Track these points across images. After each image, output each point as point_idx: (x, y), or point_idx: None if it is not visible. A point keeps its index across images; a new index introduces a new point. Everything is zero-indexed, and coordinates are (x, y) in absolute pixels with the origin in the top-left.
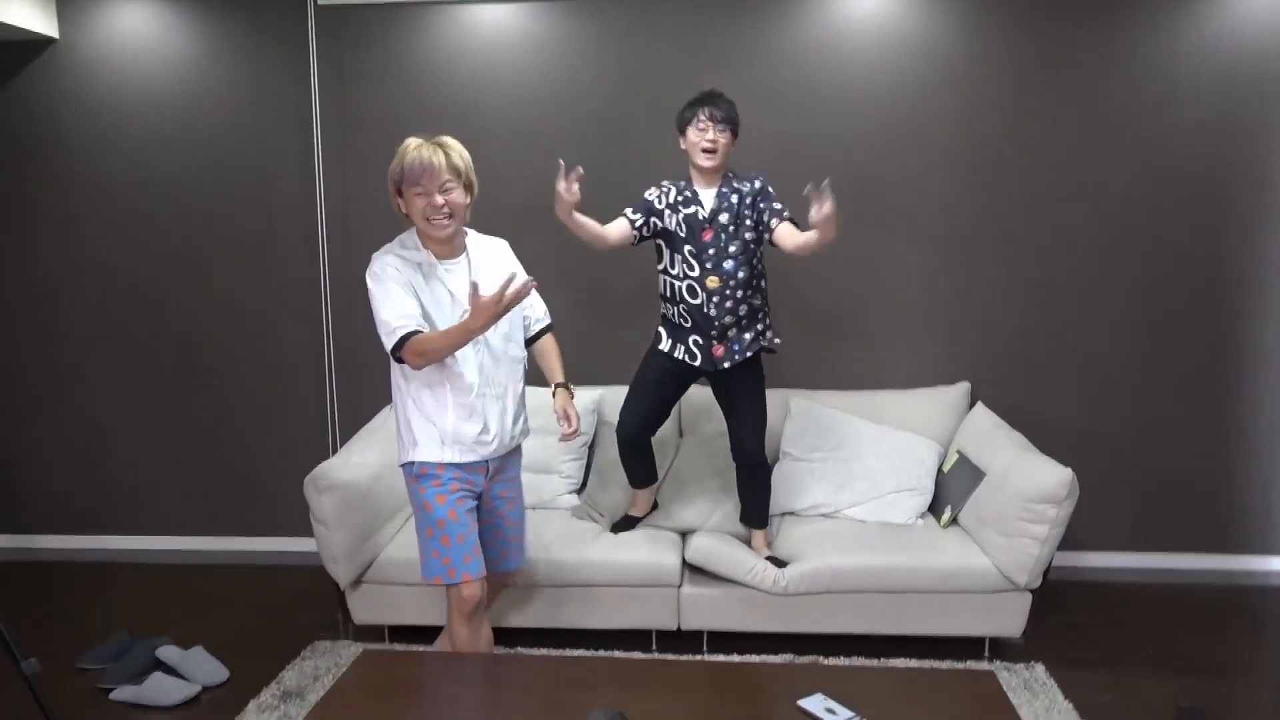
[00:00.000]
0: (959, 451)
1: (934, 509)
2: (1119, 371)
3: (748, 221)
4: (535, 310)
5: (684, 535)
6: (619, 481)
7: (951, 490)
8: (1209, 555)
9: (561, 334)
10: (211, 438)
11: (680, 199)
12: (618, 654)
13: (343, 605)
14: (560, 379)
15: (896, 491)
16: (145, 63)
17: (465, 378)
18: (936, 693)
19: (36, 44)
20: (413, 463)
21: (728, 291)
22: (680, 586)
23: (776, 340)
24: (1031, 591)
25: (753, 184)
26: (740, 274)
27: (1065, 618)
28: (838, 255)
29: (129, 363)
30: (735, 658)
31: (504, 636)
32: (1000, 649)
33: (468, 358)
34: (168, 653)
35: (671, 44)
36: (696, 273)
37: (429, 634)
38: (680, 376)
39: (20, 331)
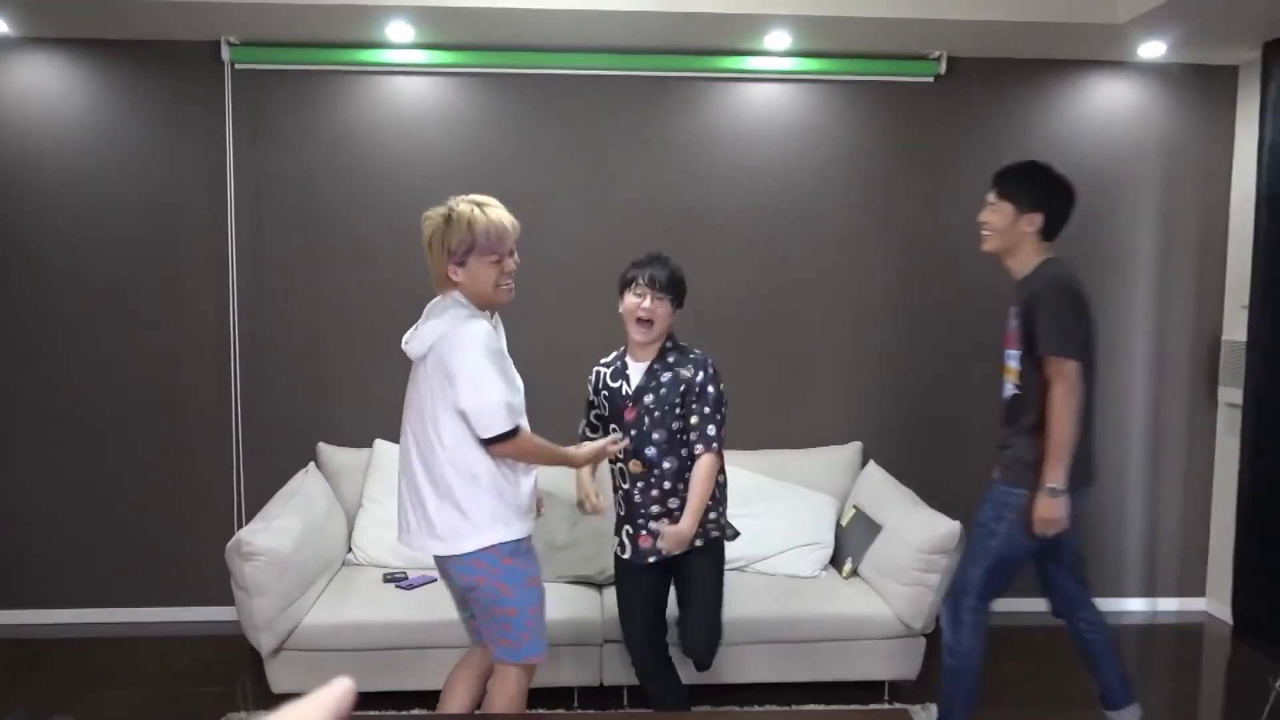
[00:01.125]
0: (855, 506)
1: (835, 561)
2: (987, 430)
3: (676, 412)
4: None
5: (601, 588)
6: (539, 537)
7: (851, 543)
8: None
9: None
10: (110, 505)
11: (610, 371)
12: (541, 712)
13: (256, 674)
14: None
15: (800, 546)
16: (49, 115)
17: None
18: None
19: None
20: (504, 543)
21: (652, 480)
22: (602, 645)
23: (730, 529)
24: (925, 636)
25: (694, 375)
26: (665, 464)
27: None
28: (741, 323)
29: (22, 428)
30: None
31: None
32: (898, 691)
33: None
34: None
35: (588, 122)
36: (621, 455)
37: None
38: (641, 576)
39: None
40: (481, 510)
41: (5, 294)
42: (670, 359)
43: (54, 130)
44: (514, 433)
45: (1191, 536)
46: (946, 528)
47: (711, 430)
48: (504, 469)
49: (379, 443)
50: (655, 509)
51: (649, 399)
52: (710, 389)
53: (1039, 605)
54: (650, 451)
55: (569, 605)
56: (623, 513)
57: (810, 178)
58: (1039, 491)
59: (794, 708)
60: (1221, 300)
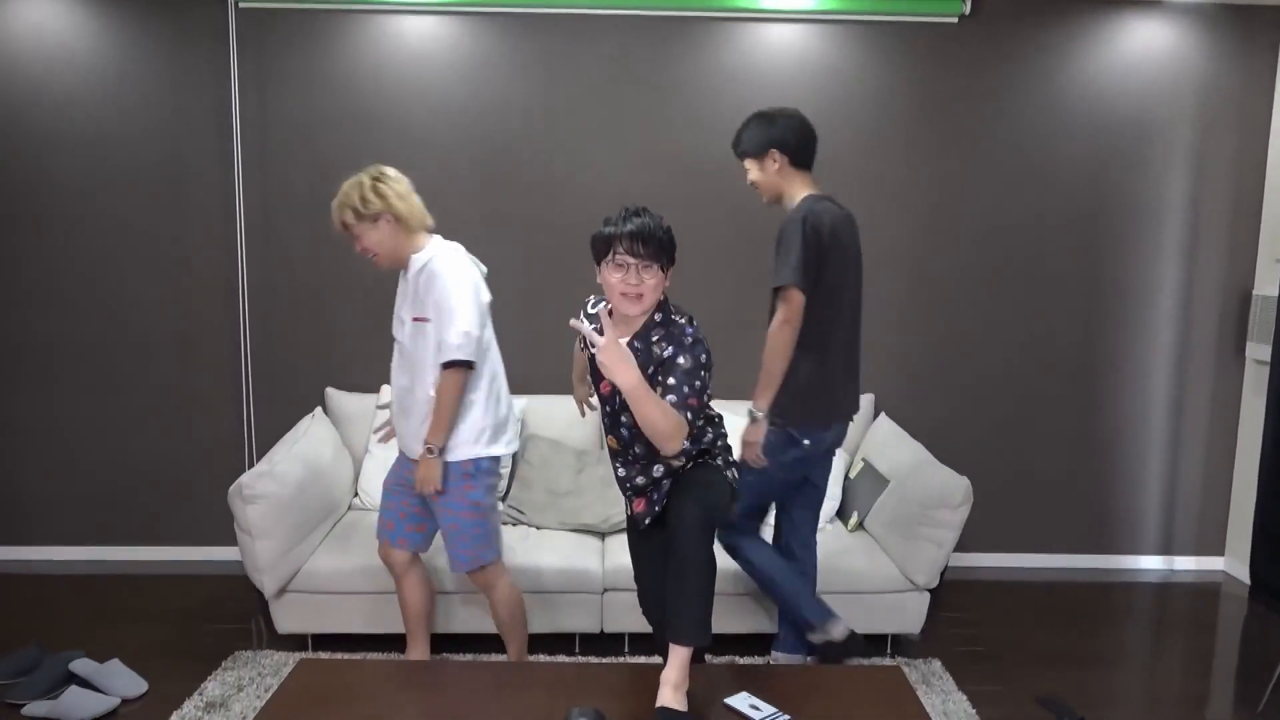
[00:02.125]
0: (864, 459)
1: (841, 514)
2: (1003, 385)
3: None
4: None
5: (604, 536)
6: (543, 484)
7: (858, 497)
8: (1084, 555)
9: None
10: (123, 445)
11: (594, 327)
12: (543, 657)
13: (264, 614)
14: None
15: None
16: (52, 60)
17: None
18: (850, 689)
19: None
20: (474, 459)
21: (629, 457)
22: (603, 593)
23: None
24: (930, 591)
25: (664, 352)
26: (637, 448)
27: (957, 615)
28: (751, 275)
29: (35, 368)
30: (657, 660)
31: (430, 644)
32: (900, 645)
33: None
34: (82, 665)
35: (600, 64)
36: (604, 422)
37: (353, 643)
38: (644, 535)
39: None
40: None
41: (14, 237)
42: (653, 336)
43: (59, 72)
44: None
45: (1212, 495)
46: (955, 484)
47: (684, 391)
48: (483, 384)
49: (386, 389)
50: (640, 480)
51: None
52: (681, 359)
53: (1077, 562)
54: (622, 433)
55: (571, 553)
56: (620, 481)
57: (827, 123)
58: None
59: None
60: (1255, 253)
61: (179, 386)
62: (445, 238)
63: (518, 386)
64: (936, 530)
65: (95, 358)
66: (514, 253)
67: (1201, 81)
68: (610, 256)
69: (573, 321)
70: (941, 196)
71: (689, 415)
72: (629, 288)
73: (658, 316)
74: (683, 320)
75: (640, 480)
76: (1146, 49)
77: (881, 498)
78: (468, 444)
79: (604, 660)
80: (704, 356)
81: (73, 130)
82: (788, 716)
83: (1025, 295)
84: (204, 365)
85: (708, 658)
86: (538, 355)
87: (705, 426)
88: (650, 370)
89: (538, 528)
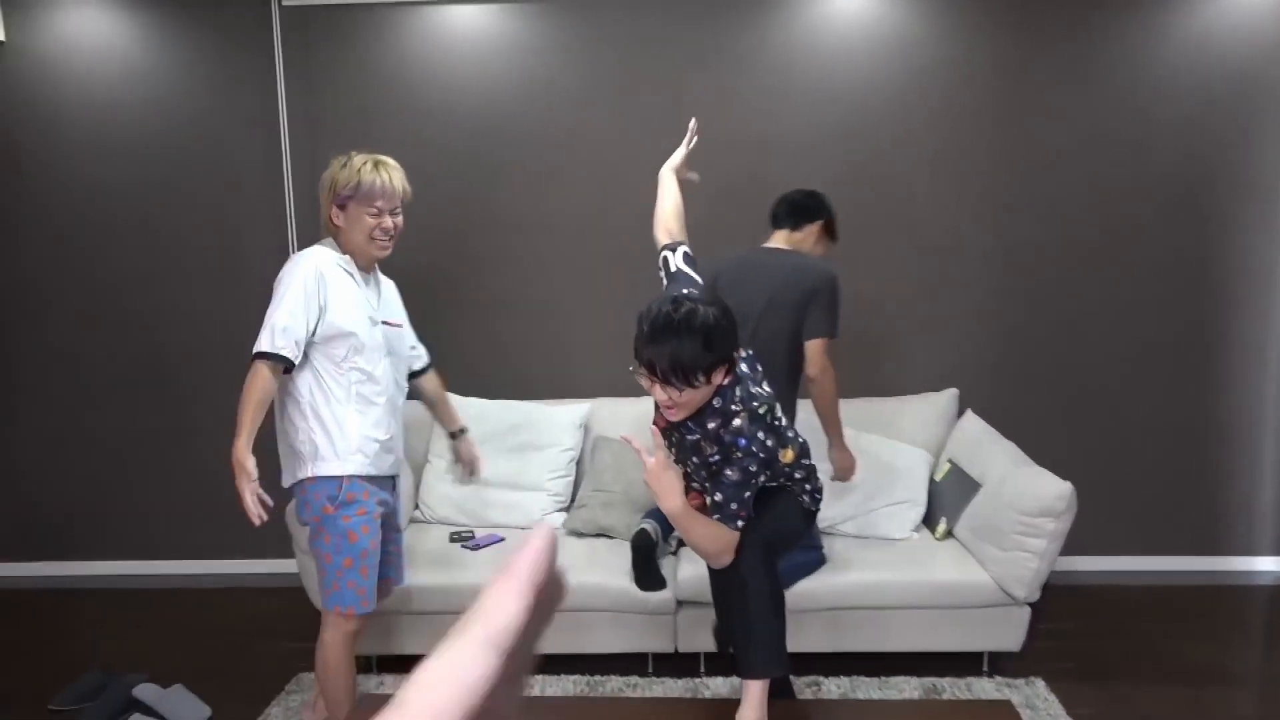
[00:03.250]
0: (950, 461)
1: (928, 521)
2: (1101, 375)
3: (692, 459)
4: (412, 342)
5: (679, 548)
6: (616, 497)
7: (946, 502)
8: (1195, 557)
9: (551, 344)
10: (179, 456)
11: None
12: (614, 679)
13: None
14: (461, 424)
15: (890, 504)
16: (99, 66)
17: (380, 382)
18: None
19: None
20: (324, 478)
21: (690, 480)
22: (676, 612)
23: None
24: (1030, 605)
25: (718, 447)
26: (694, 483)
27: (1058, 626)
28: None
29: (88, 379)
30: (735, 680)
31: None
32: (998, 664)
33: (380, 363)
34: (145, 691)
35: (649, 45)
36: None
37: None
38: None
39: None
40: (307, 442)
41: (68, 246)
42: (709, 423)
43: (106, 78)
44: (259, 356)
45: None
46: (1055, 488)
47: (731, 509)
48: (336, 397)
49: (449, 396)
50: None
51: (674, 432)
52: (730, 471)
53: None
54: (685, 469)
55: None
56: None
57: (897, 98)
58: None
59: (884, 680)
60: None
61: (233, 393)
62: (486, 226)
63: (581, 390)
64: (1036, 540)
65: (143, 367)
66: (571, 250)
67: None
68: (638, 365)
69: (623, 437)
70: (1026, 174)
71: (737, 524)
72: (659, 400)
73: (716, 403)
74: (738, 419)
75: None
76: (1253, 3)
77: (973, 503)
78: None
79: (678, 681)
80: (753, 466)
81: (120, 136)
82: None
83: (1123, 276)
84: None
85: (823, 677)
86: (598, 358)
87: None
88: (713, 455)
89: (609, 537)
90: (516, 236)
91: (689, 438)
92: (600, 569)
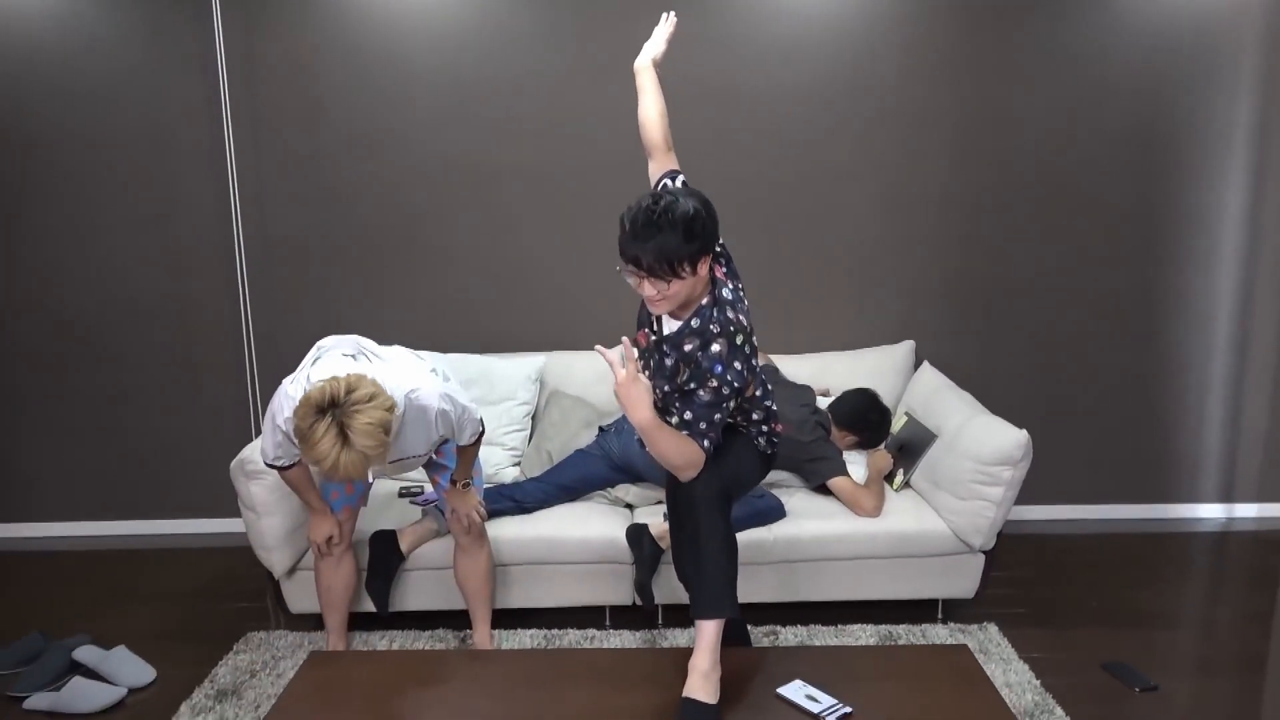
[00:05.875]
0: (907, 413)
1: None
2: (1055, 326)
3: (663, 385)
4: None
5: (633, 507)
6: (562, 442)
7: (903, 453)
8: (1142, 505)
9: (505, 297)
10: (120, 415)
11: (621, 350)
12: (572, 632)
13: (277, 591)
14: (468, 477)
15: (847, 455)
16: (22, 6)
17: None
18: (913, 671)
19: None
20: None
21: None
22: (634, 563)
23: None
24: (984, 553)
25: (700, 362)
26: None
27: (1009, 574)
28: (777, 214)
29: (25, 338)
30: (694, 630)
31: (452, 619)
32: (952, 610)
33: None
34: (86, 653)
35: None
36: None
37: (369, 621)
38: None
39: None
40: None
41: (8, 206)
42: (686, 344)
43: (24, 22)
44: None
45: (1277, 438)
46: (1013, 438)
47: (700, 428)
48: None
49: (397, 349)
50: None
51: (656, 350)
52: (701, 392)
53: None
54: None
55: (599, 523)
56: None
57: (856, 47)
58: None
59: (840, 628)
60: None
61: (178, 350)
62: (451, 185)
63: (536, 343)
64: (993, 489)
65: (88, 323)
66: (526, 201)
67: None
68: (621, 263)
69: (597, 348)
70: (983, 125)
71: (705, 444)
72: (646, 295)
73: (694, 323)
74: (716, 344)
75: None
76: None
77: (929, 453)
78: None
79: (637, 634)
80: (726, 390)
81: (49, 78)
82: (849, 708)
83: (1074, 226)
84: (203, 327)
85: (780, 626)
86: (553, 311)
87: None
88: (686, 378)
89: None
90: (469, 187)
91: (666, 361)
92: (555, 522)
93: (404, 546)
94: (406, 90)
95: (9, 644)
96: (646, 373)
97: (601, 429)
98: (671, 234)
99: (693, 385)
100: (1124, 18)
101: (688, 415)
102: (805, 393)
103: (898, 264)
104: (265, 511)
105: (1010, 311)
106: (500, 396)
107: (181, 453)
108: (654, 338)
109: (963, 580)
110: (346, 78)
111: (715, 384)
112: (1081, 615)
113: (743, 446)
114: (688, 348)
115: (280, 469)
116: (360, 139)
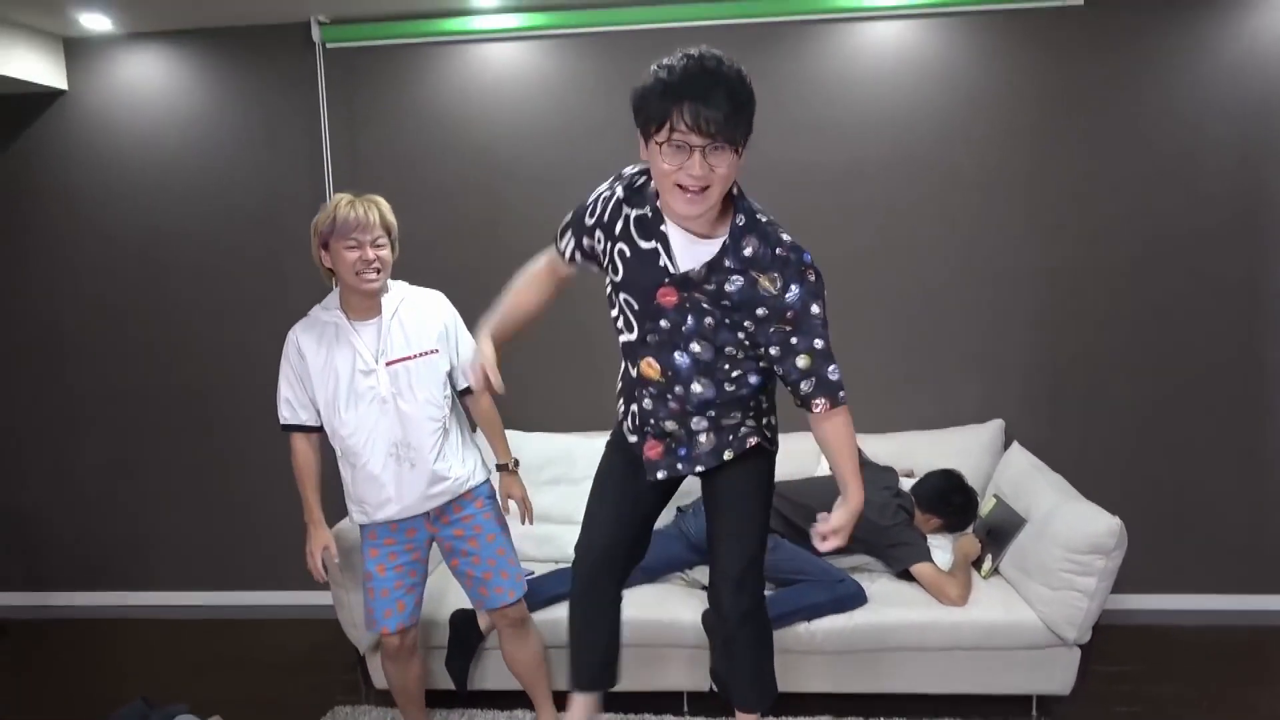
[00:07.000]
0: (996, 495)
1: None
2: (1152, 403)
3: (737, 333)
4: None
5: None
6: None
7: (991, 538)
8: (1258, 595)
9: (591, 376)
10: (223, 489)
11: (635, 218)
12: (649, 717)
13: (363, 666)
14: (507, 458)
15: (932, 540)
16: (154, 112)
17: (361, 454)
18: None
19: (45, 96)
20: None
21: (669, 397)
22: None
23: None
24: (1080, 647)
25: (784, 292)
26: (695, 387)
27: (1111, 668)
28: (860, 289)
29: (140, 415)
30: None
31: (522, 699)
32: (1048, 708)
33: (366, 425)
34: None
35: None
36: (633, 338)
37: (449, 699)
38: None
39: (30, 384)
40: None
41: (127, 289)
42: (746, 247)
43: (159, 123)
44: (283, 429)
45: None
46: (1105, 525)
47: (833, 373)
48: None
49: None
50: (669, 425)
51: (704, 295)
52: (815, 307)
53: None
54: (680, 360)
55: (679, 606)
56: (634, 411)
57: (936, 124)
58: None
59: None
60: None
61: (272, 430)
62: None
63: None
64: (1086, 579)
65: (193, 402)
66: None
67: None
68: (665, 133)
69: (476, 369)
70: (1072, 197)
71: (845, 396)
72: (692, 180)
73: (740, 219)
74: (770, 222)
75: (670, 425)
76: None
77: (1018, 539)
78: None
79: None
80: (821, 284)
81: (171, 179)
82: None
83: (1175, 302)
84: None
85: (860, 718)
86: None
87: (764, 381)
88: (759, 315)
89: None
90: None
91: (727, 287)
92: (633, 603)
93: (483, 625)
94: (493, 177)
95: (115, 710)
96: (688, 324)
97: (679, 509)
98: (741, 85)
99: (794, 291)
100: (1213, 82)
101: (817, 344)
102: (888, 475)
103: (987, 340)
104: (353, 588)
105: (1104, 388)
106: (582, 475)
107: (278, 526)
108: (679, 291)
109: (1058, 675)
110: (441, 168)
111: (813, 276)
112: (1191, 714)
113: (758, 480)
114: (748, 251)
115: (293, 433)
116: (456, 224)
